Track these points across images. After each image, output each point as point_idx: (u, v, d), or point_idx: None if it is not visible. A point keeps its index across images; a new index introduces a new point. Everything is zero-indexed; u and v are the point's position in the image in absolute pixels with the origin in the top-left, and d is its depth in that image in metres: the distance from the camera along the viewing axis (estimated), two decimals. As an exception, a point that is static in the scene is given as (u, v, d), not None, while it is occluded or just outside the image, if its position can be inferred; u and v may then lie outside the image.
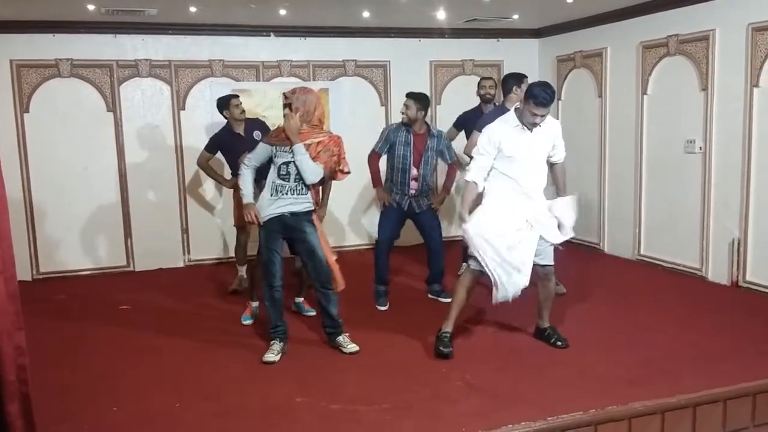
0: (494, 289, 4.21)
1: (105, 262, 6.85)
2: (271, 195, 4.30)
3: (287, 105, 4.27)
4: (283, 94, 4.36)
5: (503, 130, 4.22)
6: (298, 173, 4.25)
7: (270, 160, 4.35)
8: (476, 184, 4.24)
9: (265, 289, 4.41)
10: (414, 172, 5.29)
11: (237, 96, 5.83)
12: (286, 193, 4.27)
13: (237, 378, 4.07)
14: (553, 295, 4.57)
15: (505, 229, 4.16)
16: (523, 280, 4.17)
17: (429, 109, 5.33)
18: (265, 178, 4.39)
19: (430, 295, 5.64)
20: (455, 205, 7.76)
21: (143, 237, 6.93)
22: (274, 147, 4.29)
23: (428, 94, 5.45)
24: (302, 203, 4.33)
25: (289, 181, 4.27)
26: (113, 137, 6.74)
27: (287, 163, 4.24)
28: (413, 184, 5.31)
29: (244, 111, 5.72)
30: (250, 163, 4.38)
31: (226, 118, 5.75)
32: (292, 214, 4.32)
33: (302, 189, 4.30)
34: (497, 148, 4.18)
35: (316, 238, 4.43)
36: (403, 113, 5.28)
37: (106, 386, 3.99)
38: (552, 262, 4.38)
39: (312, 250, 4.39)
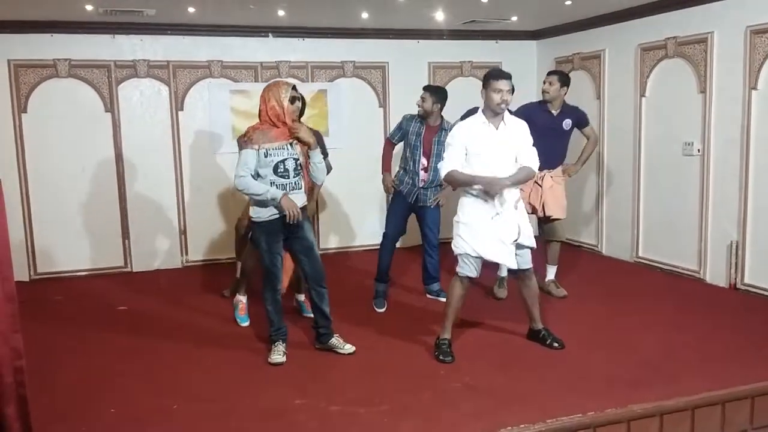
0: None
1: (102, 263, 6.83)
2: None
3: (297, 98, 4.23)
4: (294, 87, 4.23)
5: (471, 125, 4.23)
6: (296, 168, 4.23)
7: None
8: (454, 170, 4.16)
9: (268, 293, 4.35)
10: (424, 162, 5.32)
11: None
12: (288, 192, 4.21)
13: (235, 379, 4.06)
14: (538, 291, 4.57)
15: (490, 238, 4.18)
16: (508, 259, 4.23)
17: (445, 103, 5.32)
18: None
19: (428, 296, 5.65)
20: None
21: (141, 238, 6.92)
22: (261, 150, 4.13)
23: (445, 88, 5.42)
24: (300, 199, 4.30)
25: (288, 178, 4.21)
26: (111, 138, 6.72)
27: (283, 161, 4.18)
28: (423, 175, 5.33)
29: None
30: (245, 173, 4.13)
31: None
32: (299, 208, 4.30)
33: (299, 184, 4.28)
34: (464, 145, 4.17)
35: (313, 234, 4.44)
36: (419, 105, 5.30)
37: (103, 387, 3.98)
38: (531, 265, 4.40)
39: (310, 247, 4.38)
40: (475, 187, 4.15)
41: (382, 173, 5.56)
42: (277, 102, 4.16)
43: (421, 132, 5.30)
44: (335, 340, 4.46)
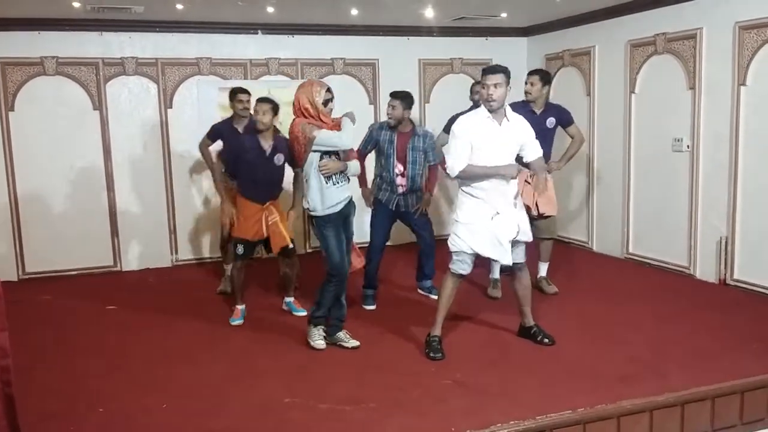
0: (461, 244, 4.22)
1: (92, 262, 6.79)
2: (327, 183, 4.23)
3: (330, 100, 4.27)
4: (328, 88, 4.27)
5: (474, 120, 4.19)
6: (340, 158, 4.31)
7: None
8: (467, 166, 4.10)
9: (333, 287, 4.36)
10: (400, 168, 5.29)
11: (246, 92, 5.66)
12: (338, 181, 4.29)
13: (224, 378, 4.04)
14: (530, 286, 4.57)
15: (490, 236, 4.18)
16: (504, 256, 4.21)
17: (413, 107, 5.35)
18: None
19: (420, 291, 5.65)
20: (442, 203, 7.79)
21: (130, 237, 6.88)
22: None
23: (411, 92, 5.41)
24: (347, 191, 4.38)
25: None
26: (99, 136, 6.68)
27: (328, 153, 4.23)
28: (400, 180, 5.31)
29: (247, 108, 5.58)
30: (340, 136, 4.19)
31: (232, 109, 5.68)
32: (350, 199, 4.39)
33: (345, 176, 4.35)
34: (470, 140, 4.13)
35: None
36: (389, 114, 5.27)
37: (93, 387, 3.95)
38: (524, 259, 4.41)
39: (350, 237, 4.47)
40: (480, 189, 4.15)
41: (360, 187, 5.49)
42: (311, 104, 4.19)
43: (393, 140, 5.27)
44: (342, 334, 4.51)
